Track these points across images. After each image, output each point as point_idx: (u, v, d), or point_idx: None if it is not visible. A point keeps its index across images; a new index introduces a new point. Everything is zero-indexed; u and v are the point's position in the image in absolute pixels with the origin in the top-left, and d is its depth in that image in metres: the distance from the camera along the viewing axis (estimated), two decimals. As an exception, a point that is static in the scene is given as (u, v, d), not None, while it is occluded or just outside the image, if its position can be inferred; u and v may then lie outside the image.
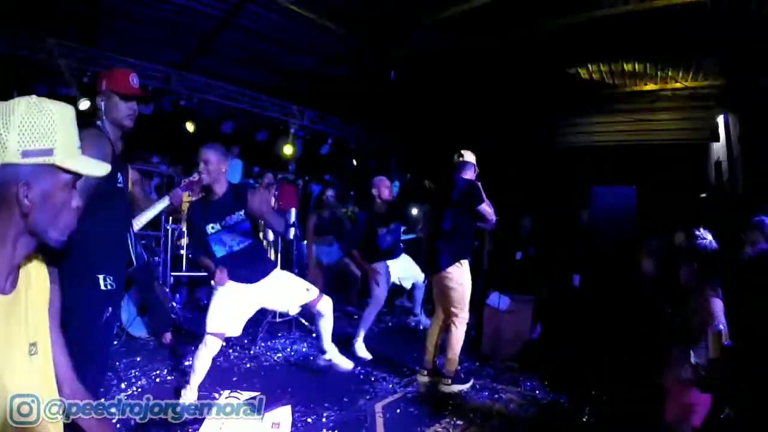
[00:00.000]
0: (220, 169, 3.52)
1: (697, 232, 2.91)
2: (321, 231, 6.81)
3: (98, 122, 2.47)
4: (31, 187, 1.13)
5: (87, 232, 1.85)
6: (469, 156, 4.54)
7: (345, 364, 4.28)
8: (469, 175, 4.46)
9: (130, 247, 2.62)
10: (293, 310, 4.03)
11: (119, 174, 2.47)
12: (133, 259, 2.65)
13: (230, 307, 3.63)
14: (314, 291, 3.93)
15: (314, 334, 4.75)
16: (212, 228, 3.55)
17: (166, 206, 4.12)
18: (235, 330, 3.70)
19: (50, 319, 1.33)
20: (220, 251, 3.61)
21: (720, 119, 7.08)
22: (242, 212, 3.57)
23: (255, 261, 3.71)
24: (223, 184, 3.60)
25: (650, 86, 7.62)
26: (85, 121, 2.15)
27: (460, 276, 4.28)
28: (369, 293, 5.45)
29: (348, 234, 6.90)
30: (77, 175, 1.21)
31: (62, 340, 1.37)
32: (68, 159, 1.18)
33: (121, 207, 2.56)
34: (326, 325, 4.07)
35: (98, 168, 1.27)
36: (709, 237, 2.88)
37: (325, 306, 3.96)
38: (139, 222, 4.30)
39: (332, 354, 4.23)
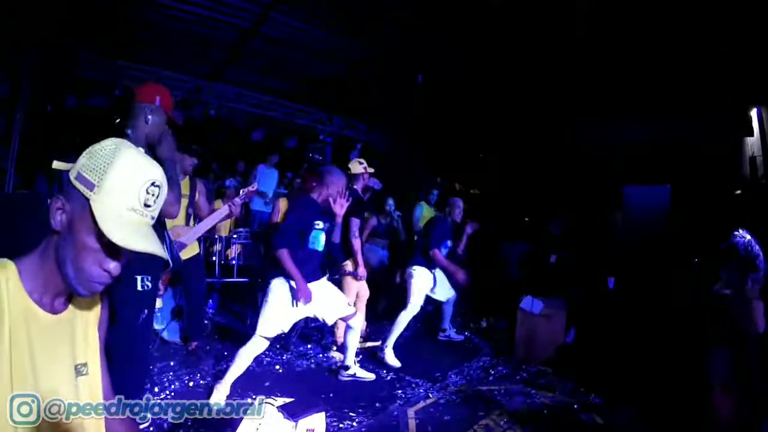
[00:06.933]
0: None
1: (737, 232, 2.84)
2: (375, 234, 7.17)
3: (129, 132, 2.45)
4: (64, 207, 1.13)
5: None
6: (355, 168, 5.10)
7: (368, 376, 4.56)
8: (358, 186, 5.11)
9: (166, 249, 2.64)
10: (330, 320, 4.18)
11: None
12: (170, 261, 2.68)
13: (287, 306, 3.81)
14: (353, 307, 4.26)
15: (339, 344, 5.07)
16: (318, 224, 4.01)
17: (225, 216, 4.28)
18: (285, 328, 3.88)
19: (99, 340, 1.34)
20: (313, 244, 4.01)
21: (753, 113, 6.85)
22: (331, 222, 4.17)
23: (320, 262, 4.16)
24: None
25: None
26: (115, 132, 2.15)
27: None
28: (405, 299, 5.37)
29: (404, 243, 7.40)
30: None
31: (104, 360, 1.37)
32: (102, 207, 1.10)
33: None
34: (353, 340, 4.41)
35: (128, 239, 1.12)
36: (749, 237, 2.81)
37: (357, 322, 4.30)
38: (202, 229, 4.43)
39: (354, 369, 4.53)
